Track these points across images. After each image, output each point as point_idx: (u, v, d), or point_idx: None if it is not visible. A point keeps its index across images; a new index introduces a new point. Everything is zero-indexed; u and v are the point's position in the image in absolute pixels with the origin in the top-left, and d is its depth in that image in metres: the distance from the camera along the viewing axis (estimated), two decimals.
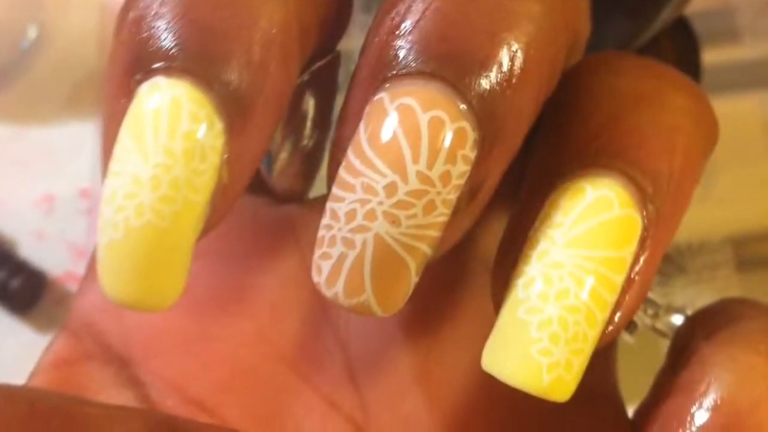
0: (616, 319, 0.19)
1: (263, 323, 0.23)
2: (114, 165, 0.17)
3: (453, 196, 0.18)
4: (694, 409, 0.18)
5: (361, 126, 0.18)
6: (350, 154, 0.18)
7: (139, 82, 0.17)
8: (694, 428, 0.18)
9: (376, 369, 0.23)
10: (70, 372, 0.22)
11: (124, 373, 0.22)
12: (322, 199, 0.18)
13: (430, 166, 0.17)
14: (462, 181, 0.18)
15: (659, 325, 0.22)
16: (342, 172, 0.18)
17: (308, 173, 0.24)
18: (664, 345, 0.22)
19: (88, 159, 0.42)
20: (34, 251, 0.41)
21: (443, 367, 0.23)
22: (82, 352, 0.22)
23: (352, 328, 0.23)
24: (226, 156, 0.17)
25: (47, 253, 0.40)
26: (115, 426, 0.15)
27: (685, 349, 0.20)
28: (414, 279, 0.18)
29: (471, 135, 0.17)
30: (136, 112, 0.17)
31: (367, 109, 0.18)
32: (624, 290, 0.19)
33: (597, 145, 0.19)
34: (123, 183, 0.17)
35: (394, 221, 0.17)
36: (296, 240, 0.23)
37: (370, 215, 0.17)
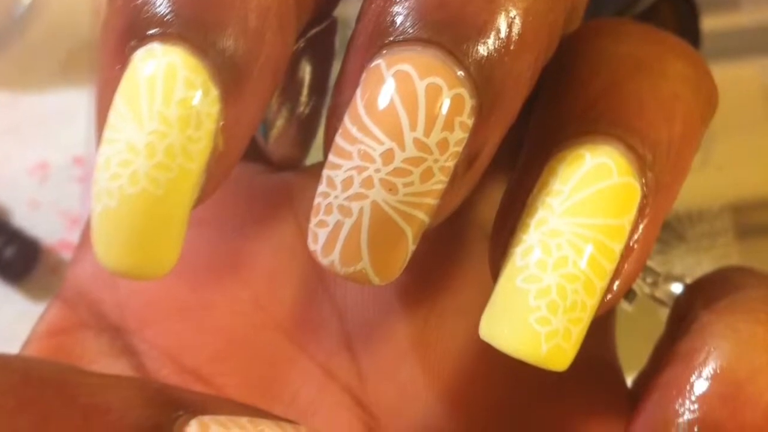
0: (615, 287, 0.19)
1: (259, 292, 0.23)
2: (108, 132, 0.17)
3: (450, 164, 0.17)
4: (693, 378, 0.18)
5: (358, 93, 0.18)
6: (347, 121, 0.17)
7: (134, 48, 0.17)
8: (693, 397, 0.18)
9: (373, 337, 0.23)
10: (64, 341, 0.22)
11: (118, 342, 0.22)
12: (319, 167, 0.18)
13: (428, 133, 0.17)
14: (460, 149, 0.17)
15: (658, 294, 0.22)
16: (338, 139, 0.18)
17: (305, 140, 0.23)
18: (663, 313, 0.22)
19: (83, 126, 0.41)
20: (27, 220, 0.40)
21: (441, 335, 0.22)
22: (76, 321, 0.22)
23: (348, 296, 0.23)
24: (221, 123, 0.17)
25: (41, 221, 0.40)
26: (109, 394, 0.15)
27: (684, 318, 0.20)
28: (411, 247, 0.18)
29: (468, 102, 0.17)
30: (131, 79, 0.17)
31: (364, 75, 0.18)
32: (623, 258, 0.19)
33: (596, 112, 0.19)
34: (117, 150, 0.17)
35: (391, 189, 0.17)
36: (293, 208, 0.23)
37: (367, 183, 0.17)
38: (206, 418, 0.15)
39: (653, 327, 0.22)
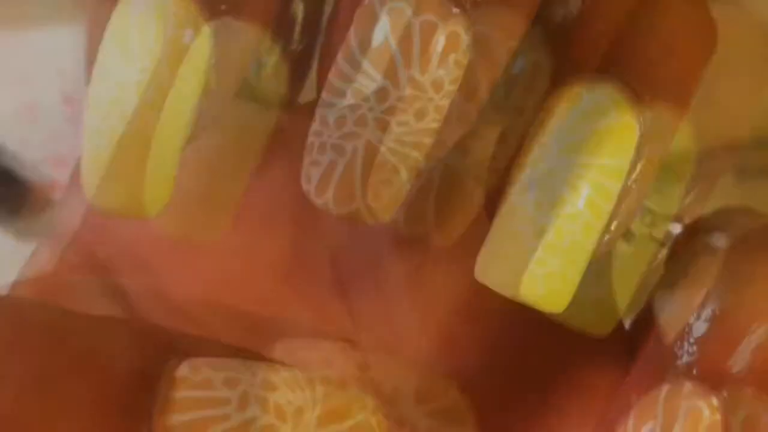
0: (613, 227, 0.19)
1: (252, 233, 0.22)
2: (98, 70, 0.17)
3: (445, 102, 0.17)
4: (691, 320, 0.18)
5: (351, 30, 0.17)
6: (340, 59, 0.17)
7: None
8: (691, 339, 0.18)
9: (367, 281, 0.22)
10: (53, 283, 0.22)
11: (109, 284, 0.22)
12: (312, 105, 0.18)
13: (423, 71, 0.17)
14: (455, 87, 0.17)
15: (656, 234, 0.22)
16: (331, 77, 0.17)
17: (297, 78, 0.23)
18: (661, 254, 0.21)
19: (72, 65, 0.41)
20: (17, 159, 0.40)
21: (435, 276, 0.22)
22: (66, 263, 0.22)
23: (342, 238, 0.22)
24: (213, 61, 0.17)
25: (31, 161, 0.40)
26: (100, 337, 0.15)
27: (683, 260, 0.20)
28: (406, 186, 0.18)
29: (464, 39, 0.17)
30: (121, 16, 0.17)
31: (357, 12, 0.17)
32: (621, 198, 0.18)
33: (594, 52, 0.19)
34: (108, 89, 0.16)
35: (385, 128, 0.17)
36: (286, 147, 0.22)
37: (361, 121, 0.17)
38: (198, 360, 0.15)
39: (690, 278, 0.21)
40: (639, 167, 0.18)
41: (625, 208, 0.19)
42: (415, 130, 0.17)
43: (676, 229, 0.21)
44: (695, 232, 0.21)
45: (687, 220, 0.22)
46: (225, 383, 0.15)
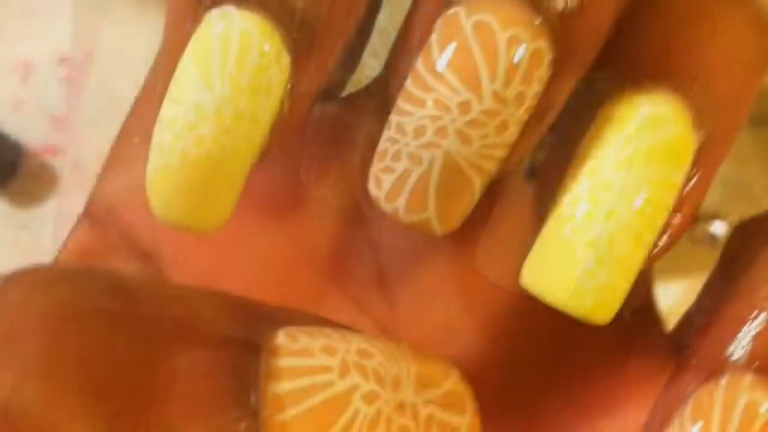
0: (663, 241, 0.19)
1: (295, 223, 0.22)
2: (175, 90, 0.17)
3: (525, 117, 0.17)
4: (754, 314, 0.18)
5: (434, 40, 0.17)
6: (421, 69, 0.17)
7: (208, 8, 0.17)
8: (754, 333, 0.18)
9: (407, 273, 0.23)
10: (94, 263, 0.22)
11: (149, 268, 0.22)
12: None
13: (506, 86, 0.17)
14: (535, 102, 0.17)
15: (697, 234, 0.22)
16: (410, 86, 0.17)
17: (345, 72, 0.23)
18: (699, 254, 0.22)
19: (68, 23, 0.40)
20: (10, 121, 0.39)
21: (474, 273, 0.23)
22: (107, 244, 0.22)
23: (384, 230, 0.23)
24: (289, 87, 0.17)
25: (24, 123, 0.39)
26: (197, 306, 0.15)
27: (739, 257, 0.20)
28: (476, 197, 0.18)
29: (547, 55, 0.17)
30: (203, 40, 0.17)
31: (440, 22, 0.17)
32: (673, 212, 0.18)
33: (655, 59, 0.18)
34: (185, 111, 0.17)
35: (466, 140, 0.17)
36: (331, 139, 0.23)
37: (441, 132, 0.17)
38: (293, 329, 0.15)
39: (690, 267, 0.22)
40: (693, 181, 0.18)
41: (676, 222, 0.19)
42: (493, 144, 0.17)
43: (718, 228, 0.22)
44: (753, 230, 0.21)
45: (730, 219, 0.22)
46: (323, 351, 0.15)
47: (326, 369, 0.15)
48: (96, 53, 0.42)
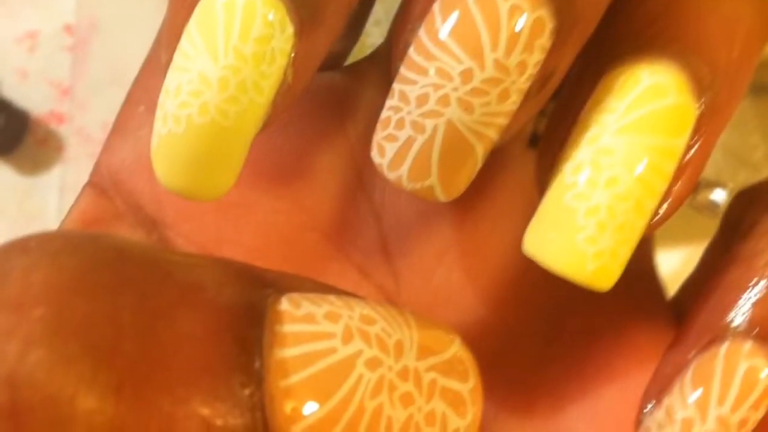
0: (664, 208, 0.19)
1: (299, 190, 0.23)
2: (179, 59, 0.17)
3: (526, 85, 0.17)
4: (756, 279, 0.19)
5: (437, 9, 0.17)
6: (423, 37, 0.17)
7: None
8: (755, 298, 0.18)
9: (409, 240, 0.23)
10: (98, 230, 0.22)
11: (154, 236, 0.22)
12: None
13: (508, 54, 0.17)
14: (536, 71, 0.17)
15: (698, 201, 0.22)
16: (413, 54, 0.17)
17: (348, 42, 0.23)
18: (699, 221, 0.22)
19: None
20: (16, 90, 0.39)
21: (477, 239, 0.23)
22: (112, 212, 0.22)
23: (386, 198, 0.23)
24: (292, 57, 0.17)
25: (30, 92, 0.39)
26: (201, 272, 0.15)
27: (740, 224, 0.21)
28: (479, 165, 0.18)
29: (548, 24, 0.17)
30: (208, 10, 0.17)
31: None
32: (674, 180, 0.18)
33: (655, 29, 0.19)
34: (189, 80, 0.17)
35: (468, 108, 0.17)
36: (335, 107, 0.23)
37: (444, 101, 0.17)
38: (296, 296, 0.15)
39: (690, 235, 0.22)
40: (694, 149, 0.19)
41: (677, 190, 0.19)
42: (495, 112, 0.17)
43: (718, 195, 0.22)
44: (754, 198, 0.21)
45: (731, 185, 0.22)
46: (326, 317, 0.15)
47: (329, 335, 0.15)
48: (100, 23, 0.42)
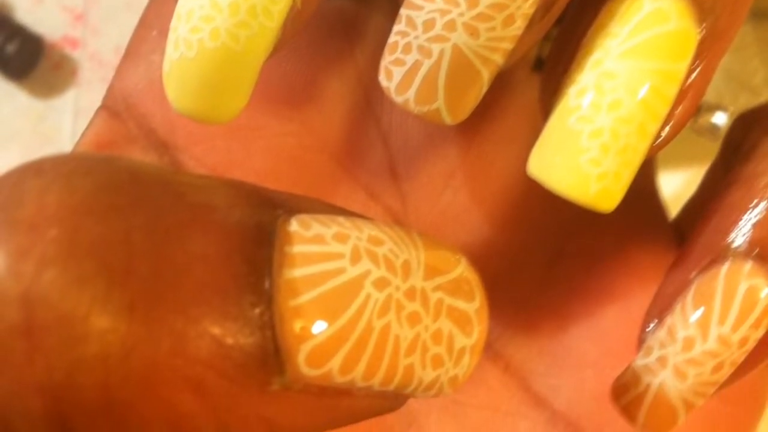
0: (666, 131, 0.19)
1: (308, 114, 0.23)
2: None
3: (531, 11, 0.18)
4: (756, 200, 0.19)
5: None
6: None
7: None
8: (756, 219, 0.19)
9: (416, 161, 0.23)
10: (111, 153, 0.22)
11: (166, 159, 0.23)
12: None
13: None
14: None
15: (699, 124, 0.22)
16: None
17: None
18: (701, 143, 0.22)
19: None
20: (30, 15, 0.39)
21: (483, 162, 0.23)
22: (125, 135, 0.23)
23: (394, 120, 0.23)
24: None
25: (44, 16, 0.39)
26: (212, 193, 0.15)
27: (741, 146, 0.21)
28: (484, 89, 0.18)
29: None
30: None
31: None
32: (676, 103, 0.19)
33: None
34: (201, 5, 0.17)
35: (473, 33, 0.17)
36: (343, 32, 0.23)
37: (450, 25, 0.17)
38: (305, 216, 0.15)
39: (692, 157, 0.22)
40: (695, 73, 0.19)
41: (679, 112, 0.19)
42: (500, 36, 0.18)
43: (720, 118, 0.22)
44: (754, 120, 0.21)
45: (731, 108, 0.22)
46: (335, 238, 0.15)
47: (338, 256, 0.15)
48: None
